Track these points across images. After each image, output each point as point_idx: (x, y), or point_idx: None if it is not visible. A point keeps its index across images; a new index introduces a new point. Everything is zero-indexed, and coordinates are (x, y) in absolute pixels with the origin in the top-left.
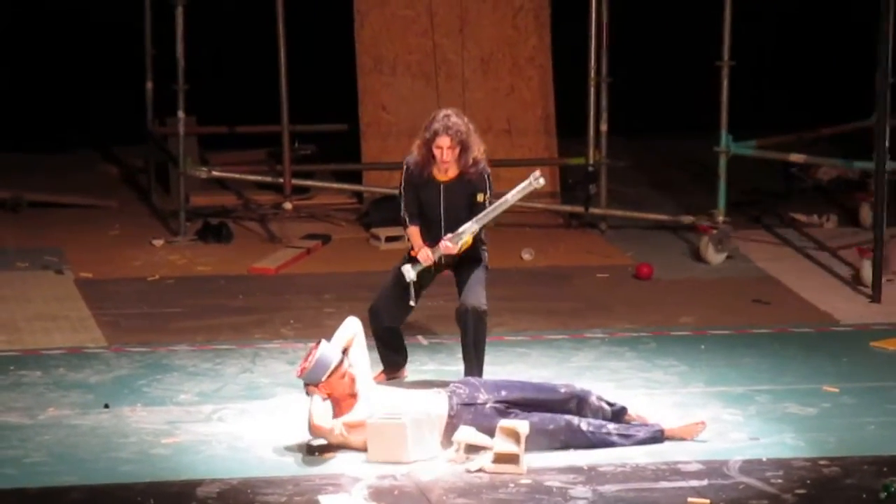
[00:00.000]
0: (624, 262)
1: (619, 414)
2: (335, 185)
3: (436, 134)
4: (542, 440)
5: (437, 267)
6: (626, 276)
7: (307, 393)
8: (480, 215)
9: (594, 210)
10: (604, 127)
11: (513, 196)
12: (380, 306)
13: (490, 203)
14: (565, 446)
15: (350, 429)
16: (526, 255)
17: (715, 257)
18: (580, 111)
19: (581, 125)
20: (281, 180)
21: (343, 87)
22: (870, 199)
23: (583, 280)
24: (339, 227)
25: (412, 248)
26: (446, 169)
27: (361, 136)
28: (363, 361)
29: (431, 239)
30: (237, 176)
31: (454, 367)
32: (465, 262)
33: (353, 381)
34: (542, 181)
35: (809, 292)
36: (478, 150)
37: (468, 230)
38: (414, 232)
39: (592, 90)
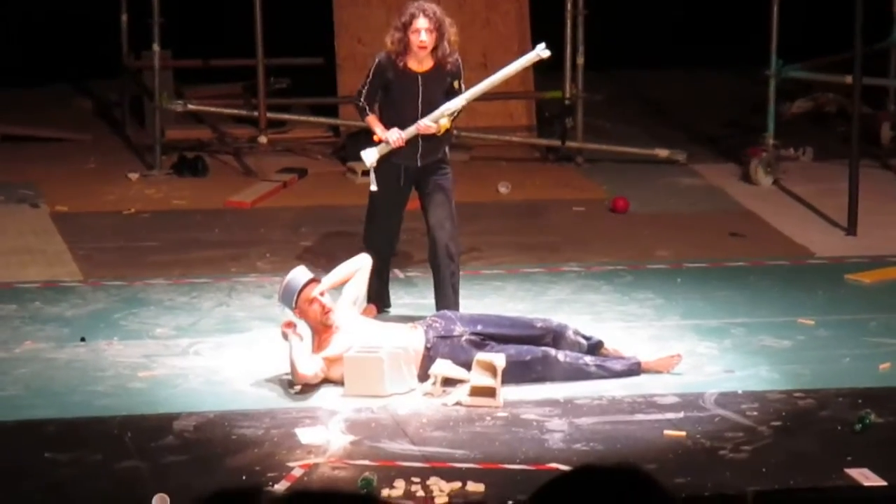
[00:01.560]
0: (600, 196)
1: (595, 347)
2: (311, 119)
3: (412, 17)
4: (519, 371)
5: (406, 175)
6: (602, 209)
7: (284, 337)
8: (468, 93)
9: (570, 144)
10: (580, 60)
11: (514, 67)
12: (371, 234)
13: (463, 91)
14: (542, 378)
15: (329, 363)
16: (502, 189)
17: (765, 179)
18: (557, 44)
19: (558, 59)
20: (256, 114)
21: (319, 19)
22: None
23: (559, 214)
24: (316, 160)
25: (374, 136)
26: (423, 56)
27: (338, 69)
28: (349, 295)
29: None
30: (213, 110)
31: (430, 300)
32: (430, 177)
33: (323, 308)
34: (547, 52)
35: (785, 226)
36: (453, 36)
37: (450, 109)
38: (373, 119)
39: (569, 23)
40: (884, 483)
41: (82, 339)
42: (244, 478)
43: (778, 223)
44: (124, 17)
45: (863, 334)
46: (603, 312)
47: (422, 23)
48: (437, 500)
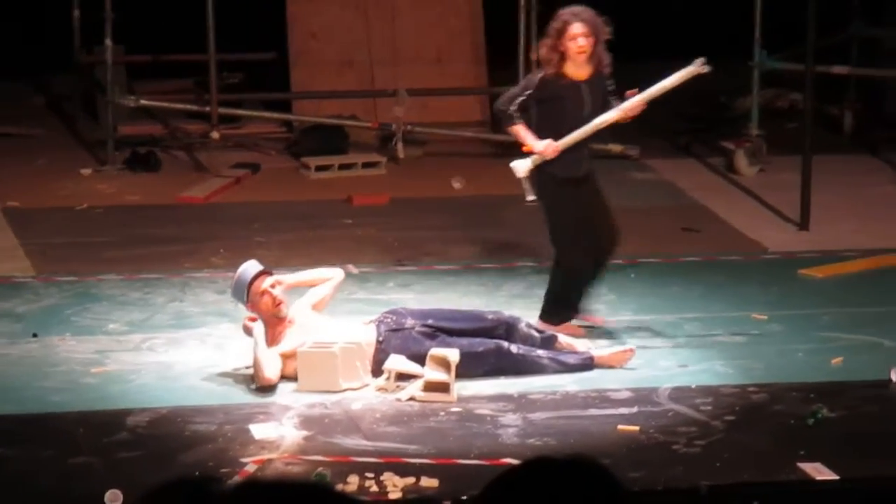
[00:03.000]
0: None
1: (548, 342)
2: (264, 114)
3: (566, 24)
4: (472, 363)
5: (581, 180)
6: None
7: (246, 332)
8: (626, 104)
9: None
10: (534, 55)
11: (673, 80)
12: (571, 253)
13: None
14: (495, 370)
15: (284, 358)
16: (456, 184)
17: (748, 170)
18: (511, 39)
19: (511, 54)
20: (209, 109)
21: (271, 14)
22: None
23: (513, 209)
24: (269, 156)
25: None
26: (582, 62)
27: (290, 64)
28: (311, 296)
29: (569, 150)
30: (165, 105)
31: (383, 295)
32: (590, 185)
33: (274, 300)
34: (706, 68)
35: (739, 220)
36: (608, 36)
37: (607, 120)
38: (522, 128)
39: (522, 18)
40: (836, 477)
41: (34, 336)
42: (197, 474)
43: (731, 218)
44: (76, 12)
45: (815, 329)
46: None
47: (577, 28)
48: (390, 496)
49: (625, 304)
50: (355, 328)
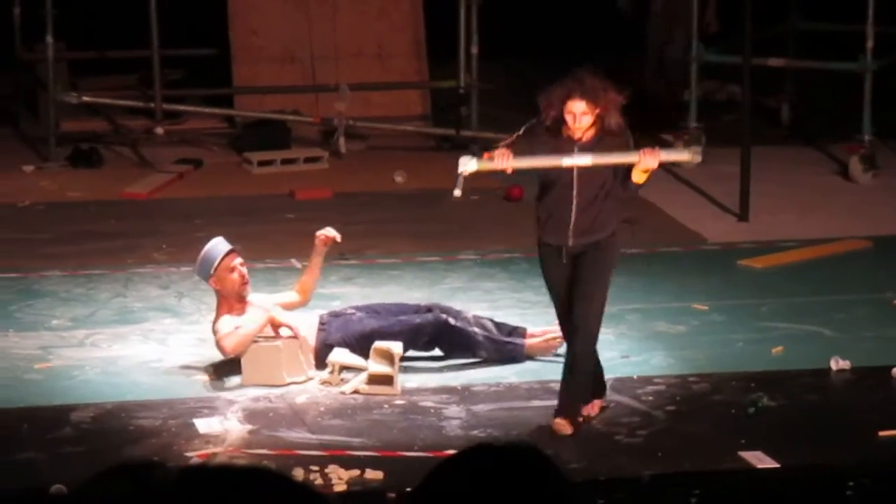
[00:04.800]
0: (494, 185)
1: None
2: (206, 110)
3: (568, 95)
4: (413, 336)
5: (562, 253)
6: (496, 197)
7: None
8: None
9: (465, 132)
10: (474, 49)
11: (668, 157)
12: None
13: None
14: (433, 341)
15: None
16: (398, 178)
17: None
18: (451, 34)
19: (452, 48)
20: (151, 105)
21: (213, 10)
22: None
23: (454, 202)
24: (211, 151)
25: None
26: (581, 131)
27: (232, 60)
28: (275, 298)
29: (555, 220)
30: (107, 101)
31: (326, 289)
32: (584, 259)
33: (243, 278)
34: (699, 158)
35: (679, 212)
36: (619, 101)
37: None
38: (509, 138)
39: (462, 12)
40: (777, 465)
41: None
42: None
43: (671, 210)
44: (17, 9)
45: (756, 319)
46: (499, 300)
47: (578, 106)
48: (335, 488)
49: None
50: (299, 314)
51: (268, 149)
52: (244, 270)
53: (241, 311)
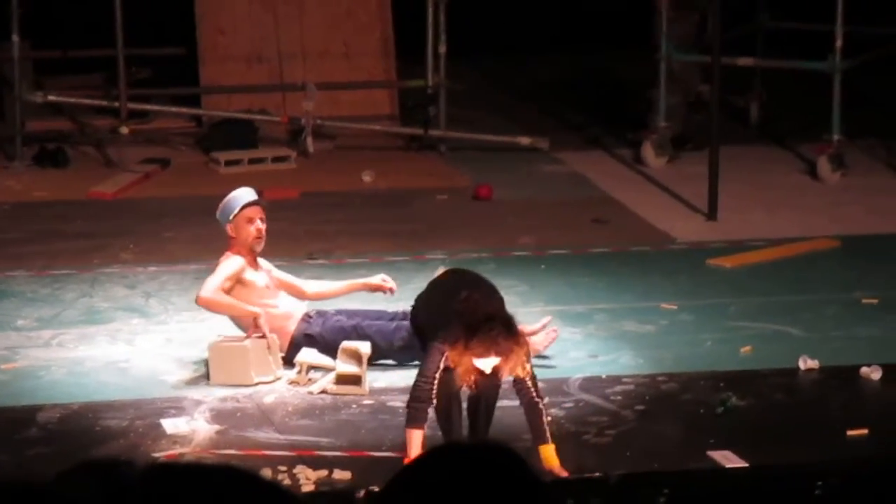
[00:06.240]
0: (463, 184)
1: None
2: (173, 109)
3: (482, 355)
4: (387, 335)
5: None
6: (465, 197)
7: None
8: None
9: (433, 132)
10: (442, 49)
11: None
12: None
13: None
14: (407, 348)
15: (242, 287)
16: (366, 178)
17: (656, 161)
18: (419, 33)
19: (420, 47)
20: (117, 104)
21: (180, 9)
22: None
23: (423, 202)
24: (178, 151)
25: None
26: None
27: (199, 59)
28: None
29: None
30: (73, 100)
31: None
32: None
33: (259, 232)
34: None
35: (647, 211)
36: (524, 360)
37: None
38: (416, 436)
39: (430, 11)
40: (745, 465)
41: None
42: (107, 457)
43: (640, 209)
44: None
45: (724, 318)
46: None
47: (486, 364)
48: (303, 489)
49: (536, 296)
50: (291, 301)
51: (235, 148)
52: (262, 226)
53: (250, 262)
